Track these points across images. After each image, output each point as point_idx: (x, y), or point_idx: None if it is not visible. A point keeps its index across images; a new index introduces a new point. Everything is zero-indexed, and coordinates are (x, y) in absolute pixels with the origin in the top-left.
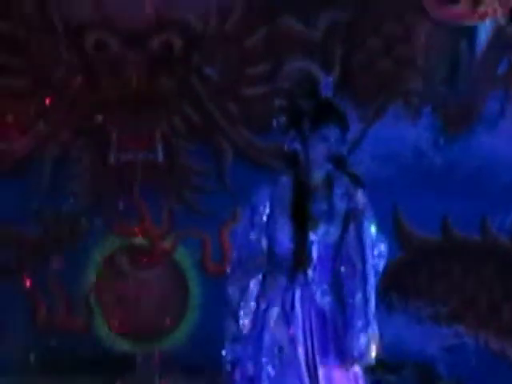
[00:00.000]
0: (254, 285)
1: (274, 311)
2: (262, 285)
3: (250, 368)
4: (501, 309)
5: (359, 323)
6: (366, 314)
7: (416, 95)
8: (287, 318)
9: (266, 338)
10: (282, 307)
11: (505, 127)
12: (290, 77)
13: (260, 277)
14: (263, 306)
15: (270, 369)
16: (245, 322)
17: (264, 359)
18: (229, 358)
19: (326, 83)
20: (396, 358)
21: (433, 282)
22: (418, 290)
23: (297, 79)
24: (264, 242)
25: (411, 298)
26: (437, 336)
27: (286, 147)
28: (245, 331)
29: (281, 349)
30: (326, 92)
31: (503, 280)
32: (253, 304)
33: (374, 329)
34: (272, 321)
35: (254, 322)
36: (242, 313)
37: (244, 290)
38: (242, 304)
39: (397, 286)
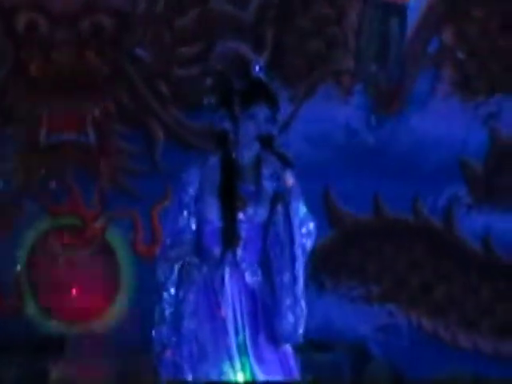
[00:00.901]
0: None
1: (190, 299)
2: (179, 273)
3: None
4: (432, 289)
5: (287, 302)
6: (294, 292)
7: (347, 74)
8: (216, 298)
9: (184, 325)
10: (208, 289)
11: (435, 107)
12: (221, 57)
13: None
14: (180, 294)
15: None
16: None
17: (184, 347)
18: (157, 339)
19: (258, 63)
20: (328, 338)
21: (364, 262)
22: (350, 270)
23: (228, 60)
24: (193, 223)
25: (343, 278)
26: (369, 316)
27: (215, 126)
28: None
29: (197, 340)
30: (257, 72)
31: (435, 260)
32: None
33: (302, 308)
34: (188, 309)
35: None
36: (167, 294)
37: (171, 271)
38: (168, 286)
39: (328, 265)
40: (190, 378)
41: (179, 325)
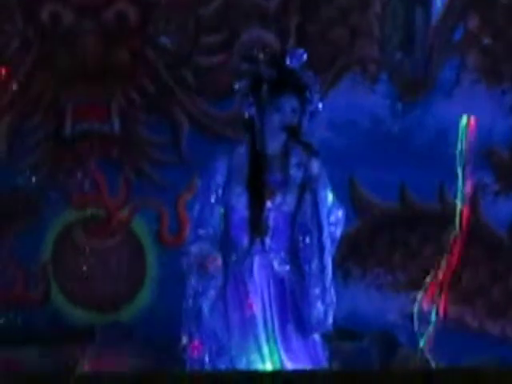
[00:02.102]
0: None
1: (209, 295)
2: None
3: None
4: (460, 276)
5: (316, 291)
6: (322, 281)
7: (372, 63)
8: (245, 287)
9: (203, 321)
10: (237, 278)
11: (461, 94)
12: (245, 46)
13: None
14: (200, 289)
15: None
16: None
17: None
18: (183, 332)
19: (294, 54)
20: (355, 326)
21: (391, 250)
22: (377, 258)
23: (254, 48)
24: (220, 211)
25: (369, 266)
26: (396, 303)
27: (243, 113)
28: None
29: (215, 336)
30: (293, 63)
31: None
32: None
33: (331, 296)
34: (206, 306)
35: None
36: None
37: (191, 266)
38: (190, 280)
39: (355, 254)
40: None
41: (198, 321)
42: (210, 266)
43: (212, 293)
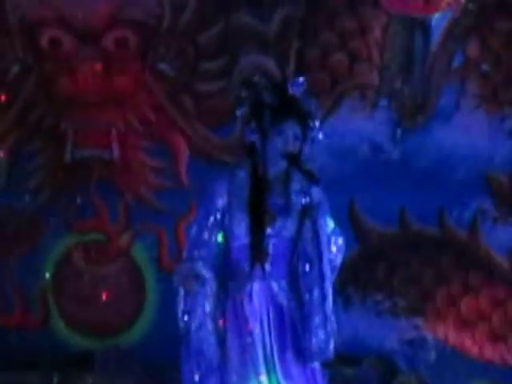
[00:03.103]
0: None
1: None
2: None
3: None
4: (459, 302)
5: (317, 319)
6: (323, 309)
7: (371, 89)
8: (244, 313)
9: (191, 339)
10: (236, 304)
11: (460, 120)
12: (244, 72)
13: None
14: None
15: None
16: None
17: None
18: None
19: (297, 82)
20: (355, 352)
21: (391, 275)
22: (376, 284)
23: (253, 74)
24: (218, 235)
25: (369, 292)
26: (396, 329)
27: (244, 138)
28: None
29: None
30: (295, 90)
31: (461, 273)
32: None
33: (332, 324)
34: (194, 324)
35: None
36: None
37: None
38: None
39: (354, 279)
40: None
41: (186, 340)
42: (195, 282)
43: (199, 311)
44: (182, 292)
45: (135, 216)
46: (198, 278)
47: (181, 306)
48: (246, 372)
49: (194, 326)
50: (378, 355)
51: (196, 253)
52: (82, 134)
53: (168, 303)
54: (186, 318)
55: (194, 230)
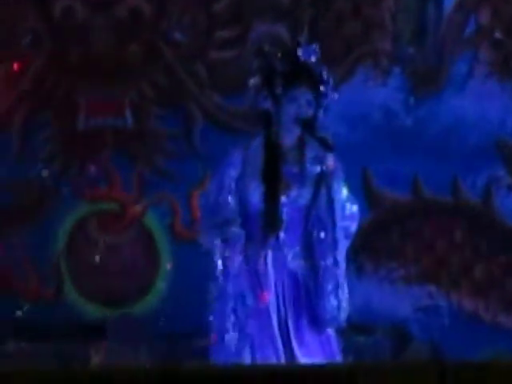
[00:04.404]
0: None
1: (236, 260)
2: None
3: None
4: (473, 269)
5: (330, 286)
6: (336, 276)
7: (385, 56)
8: (259, 281)
9: (229, 286)
10: (251, 272)
11: (474, 88)
12: (258, 40)
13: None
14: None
15: (233, 319)
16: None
17: (229, 306)
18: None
19: (309, 49)
20: (368, 320)
21: (404, 243)
22: (389, 252)
23: (266, 42)
24: (233, 204)
25: (382, 260)
26: (409, 297)
27: (258, 106)
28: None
29: (243, 297)
30: (307, 56)
31: (474, 240)
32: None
33: (344, 291)
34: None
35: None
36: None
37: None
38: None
39: (367, 247)
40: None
41: (224, 286)
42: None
43: (236, 259)
44: (218, 241)
45: (148, 185)
46: (230, 225)
47: (217, 255)
48: (262, 338)
49: (232, 271)
50: (391, 323)
51: (216, 219)
52: (95, 102)
53: (181, 272)
54: (223, 265)
55: (208, 198)
